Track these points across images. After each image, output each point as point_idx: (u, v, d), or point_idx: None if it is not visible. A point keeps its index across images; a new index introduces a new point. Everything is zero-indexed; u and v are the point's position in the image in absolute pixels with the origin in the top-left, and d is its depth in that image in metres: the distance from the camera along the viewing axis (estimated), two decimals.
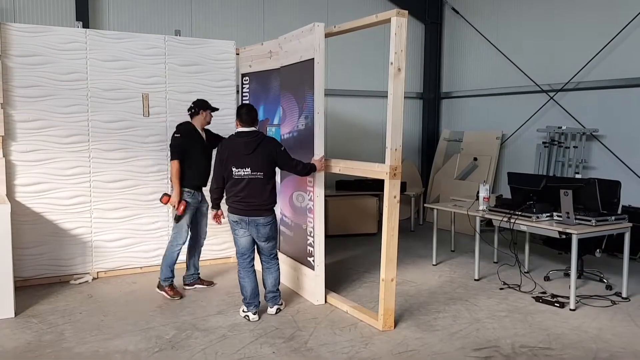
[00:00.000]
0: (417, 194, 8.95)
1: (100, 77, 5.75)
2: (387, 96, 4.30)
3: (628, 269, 5.26)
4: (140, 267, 6.05)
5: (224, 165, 4.63)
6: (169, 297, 5.21)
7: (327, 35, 5.12)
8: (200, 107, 5.29)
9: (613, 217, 5.14)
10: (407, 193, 8.58)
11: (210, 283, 5.66)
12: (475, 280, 5.89)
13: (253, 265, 4.77)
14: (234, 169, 4.56)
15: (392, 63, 4.19)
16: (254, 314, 4.66)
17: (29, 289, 5.40)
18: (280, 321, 4.63)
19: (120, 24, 7.51)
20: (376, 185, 8.16)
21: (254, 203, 4.56)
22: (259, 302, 4.75)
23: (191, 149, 5.19)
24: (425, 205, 8.36)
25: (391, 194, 4.34)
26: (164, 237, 6.12)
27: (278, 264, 4.87)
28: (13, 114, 5.41)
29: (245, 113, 4.63)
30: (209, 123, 5.37)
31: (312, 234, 5.12)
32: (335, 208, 8.00)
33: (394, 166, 4.30)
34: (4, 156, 5.36)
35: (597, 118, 7.53)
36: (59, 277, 5.68)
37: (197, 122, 5.29)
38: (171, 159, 5.16)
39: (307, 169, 4.82)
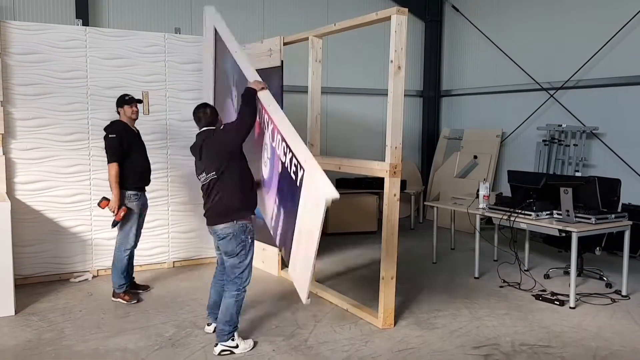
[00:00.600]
0: (417, 192, 8.95)
1: (100, 75, 5.75)
2: (387, 94, 4.29)
3: (628, 267, 5.26)
4: (140, 265, 6.05)
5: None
6: (125, 302, 5.00)
7: (327, 33, 5.12)
8: (118, 105, 5.01)
9: (613, 215, 5.14)
10: (407, 191, 8.57)
11: (146, 287, 5.40)
12: (475, 278, 5.89)
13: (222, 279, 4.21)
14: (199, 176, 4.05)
15: (392, 61, 4.19)
16: (208, 324, 4.31)
17: (29, 287, 5.40)
18: (280, 319, 4.64)
19: (120, 22, 7.50)
20: (376, 184, 8.17)
21: (213, 209, 3.98)
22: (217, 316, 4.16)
23: (129, 148, 4.93)
24: (425, 203, 8.37)
25: (391, 192, 4.34)
26: (163, 235, 6.13)
27: (237, 291, 3.98)
28: (13, 112, 5.41)
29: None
30: (135, 118, 5.07)
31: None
32: (335, 206, 7.97)
33: (394, 164, 4.30)
34: (4, 154, 5.36)
35: (597, 116, 7.53)
36: (59, 275, 5.68)
37: (125, 119, 5.01)
38: (109, 162, 4.81)
39: (246, 108, 3.95)
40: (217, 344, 3.96)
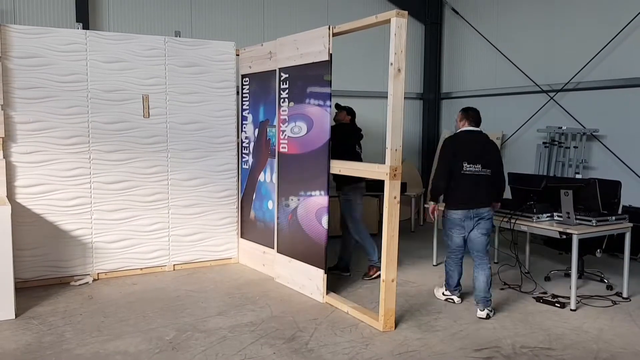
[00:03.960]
0: (417, 194, 8.95)
1: (100, 79, 5.76)
2: (387, 97, 4.30)
3: (628, 269, 5.26)
4: (141, 269, 6.06)
5: (452, 161, 4.78)
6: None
7: None
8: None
9: (613, 217, 5.14)
10: (407, 194, 8.57)
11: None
12: None
13: (462, 260, 5.09)
14: (465, 165, 4.74)
15: (392, 64, 4.19)
16: (459, 297, 5.14)
17: (30, 291, 5.40)
18: (280, 322, 4.63)
19: (120, 25, 7.51)
20: (376, 186, 8.16)
21: (481, 197, 4.80)
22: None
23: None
24: (425, 205, 8.34)
25: (391, 194, 4.34)
26: (164, 238, 6.13)
27: (489, 263, 4.90)
28: (13, 116, 5.41)
29: (476, 114, 4.96)
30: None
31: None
32: (336, 208, 7.98)
33: (394, 167, 4.30)
34: (4, 157, 5.37)
35: (597, 118, 7.53)
36: (59, 278, 5.68)
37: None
38: None
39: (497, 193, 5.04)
40: (483, 310, 4.76)
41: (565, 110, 7.90)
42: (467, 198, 4.76)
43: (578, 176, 7.44)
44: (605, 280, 5.66)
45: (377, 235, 7.73)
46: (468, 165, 4.72)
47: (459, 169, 4.73)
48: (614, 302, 5.14)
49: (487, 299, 4.79)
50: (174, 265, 6.24)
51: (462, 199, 4.76)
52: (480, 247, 4.84)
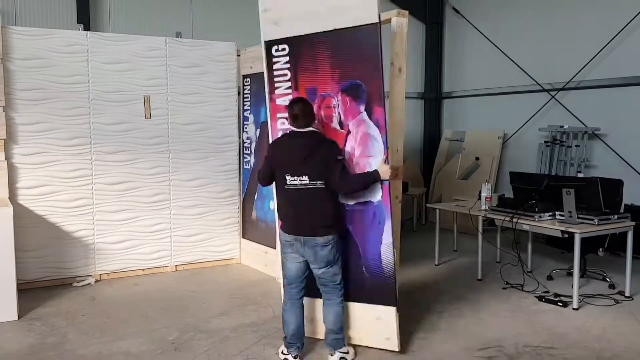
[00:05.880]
0: (419, 194, 8.95)
1: (102, 80, 5.76)
2: (388, 96, 4.29)
3: (631, 268, 5.25)
4: (143, 269, 6.06)
5: (272, 168, 3.87)
6: None
7: None
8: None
9: (616, 216, 5.13)
10: (409, 193, 8.57)
11: None
12: (478, 279, 5.89)
13: (302, 298, 3.95)
14: (288, 177, 3.73)
15: (392, 63, 4.19)
16: (295, 357, 3.86)
17: (32, 292, 5.41)
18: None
19: (122, 27, 7.52)
20: None
21: (313, 219, 3.73)
22: (303, 344, 3.94)
23: None
24: (427, 205, 8.35)
25: (393, 194, 4.33)
26: (165, 239, 6.13)
27: (342, 298, 3.91)
28: (15, 117, 5.42)
29: (300, 109, 3.71)
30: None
31: None
32: None
33: (396, 167, 4.29)
34: (6, 159, 5.38)
35: (598, 117, 7.52)
36: (61, 279, 5.69)
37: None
38: None
39: (361, 185, 3.80)
40: (333, 354, 3.86)
41: (567, 109, 7.89)
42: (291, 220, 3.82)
43: (580, 175, 7.43)
44: (608, 279, 5.65)
45: None
46: (291, 179, 3.72)
47: (282, 183, 3.79)
48: (617, 301, 5.14)
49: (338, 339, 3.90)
50: (176, 265, 6.24)
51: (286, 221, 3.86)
52: (325, 281, 3.84)
